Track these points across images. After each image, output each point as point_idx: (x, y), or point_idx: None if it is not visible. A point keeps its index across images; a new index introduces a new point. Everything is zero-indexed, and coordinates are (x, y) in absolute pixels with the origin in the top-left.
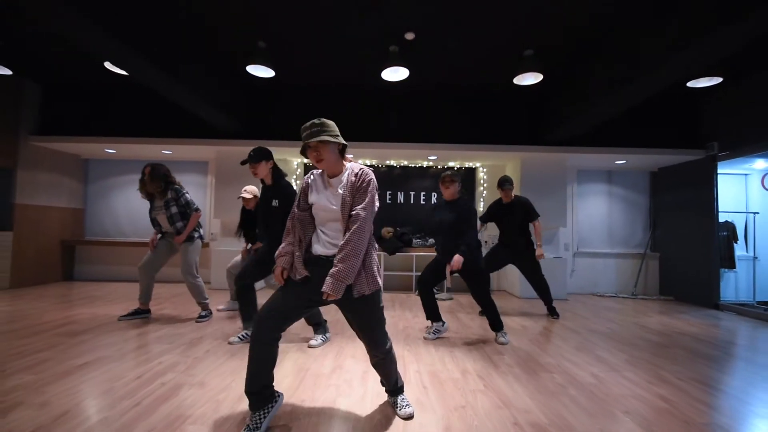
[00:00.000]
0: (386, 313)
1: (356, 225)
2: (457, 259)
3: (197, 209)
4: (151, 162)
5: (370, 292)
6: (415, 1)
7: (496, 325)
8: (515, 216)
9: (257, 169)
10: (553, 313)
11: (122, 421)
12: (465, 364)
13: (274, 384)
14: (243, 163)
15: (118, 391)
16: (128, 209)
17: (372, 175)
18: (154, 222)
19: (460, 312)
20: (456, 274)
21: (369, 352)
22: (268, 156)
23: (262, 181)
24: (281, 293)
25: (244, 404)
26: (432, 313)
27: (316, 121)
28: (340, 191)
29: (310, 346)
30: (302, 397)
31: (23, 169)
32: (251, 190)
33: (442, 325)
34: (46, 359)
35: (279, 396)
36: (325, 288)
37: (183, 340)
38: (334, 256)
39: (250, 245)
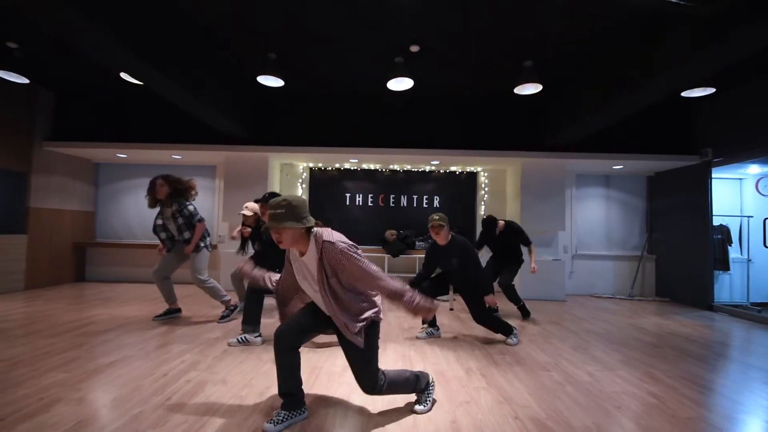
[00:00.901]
0: (390, 313)
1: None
2: (491, 300)
3: (201, 219)
4: (162, 174)
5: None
6: (419, 17)
7: (507, 331)
8: (509, 241)
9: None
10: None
11: (157, 415)
12: (468, 363)
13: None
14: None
15: (148, 387)
16: (138, 212)
17: (339, 245)
18: (158, 229)
19: (463, 313)
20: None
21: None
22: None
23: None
24: (304, 311)
25: (267, 400)
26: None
27: (282, 202)
28: (310, 266)
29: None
30: (318, 393)
31: (37, 174)
32: (252, 207)
33: (437, 330)
34: (74, 358)
35: (305, 410)
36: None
37: (200, 340)
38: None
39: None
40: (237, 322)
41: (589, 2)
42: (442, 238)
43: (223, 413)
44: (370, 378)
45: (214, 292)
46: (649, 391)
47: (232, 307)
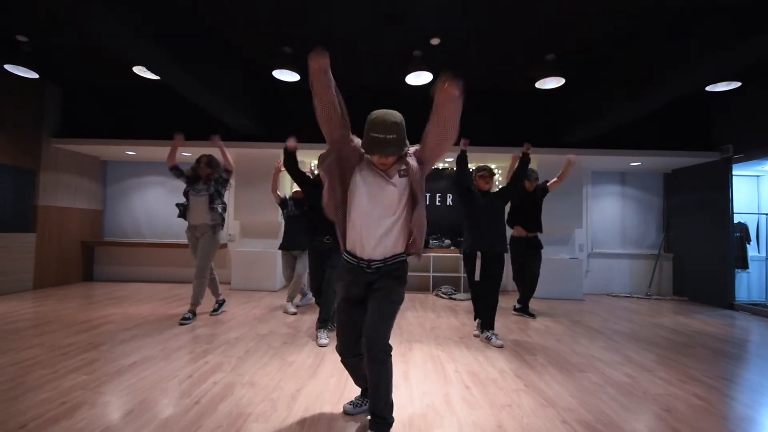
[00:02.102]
0: (409, 313)
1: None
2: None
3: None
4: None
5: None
6: (441, 9)
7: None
8: (537, 204)
9: None
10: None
11: (188, 419)
12: (500, 364)
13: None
14: None
15: (174, 390)
16: (146, 210)
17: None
18: (184, 206)
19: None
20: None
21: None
22: None
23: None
24: (342, 322)
25: (299, 402)
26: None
27: (392, 125)
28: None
29: (320, 345)
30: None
31: (45, 171)
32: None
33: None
34: (93, 359)
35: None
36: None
37: (220, 340)
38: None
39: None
40: (252, 323)
41: None
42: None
43: (257, 417)
44: (386, 333)
45: (214, 285)
46: (694, 393)
47: (223, 301)
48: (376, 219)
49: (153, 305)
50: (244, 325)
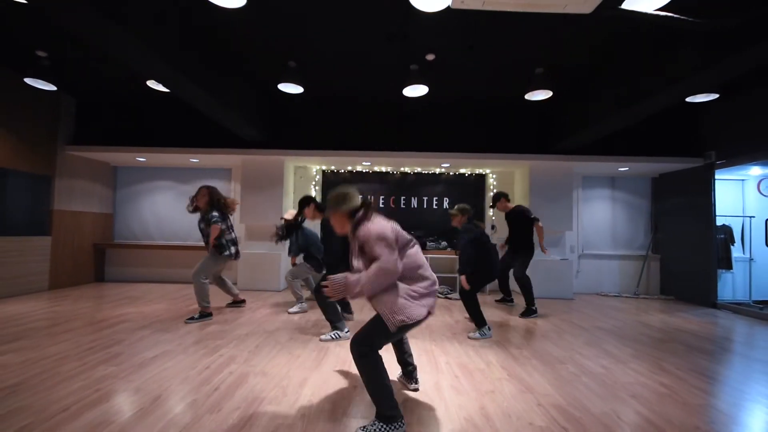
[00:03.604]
0: None
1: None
2: (463, 280)
3: (215, 221)
4: (206, 185)
5: (381, 312)
6: (434, 30)
7: (478, 323)
8: (516, 225)
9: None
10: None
11: (210, 402)
12: (488, 357)
13: None
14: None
15: (195, 378)
16: (155, 213)
17: (370, 229)
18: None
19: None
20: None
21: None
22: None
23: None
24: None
25: (306, 389)
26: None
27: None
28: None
29: (321, 340)
30: (354, 384)
31: (60, 178)
32: (291, 213)
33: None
34: (118, 353)
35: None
36: (331, 278)
37: (231, 336)
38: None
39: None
40: (260, 320)
41: (598, 16)
42: (456, 222)
43: (270, 400)
44: (360, 338)
45: (203, 292)
46: (661, 382)
47: (206, 315)
48: None
49: (165, 304)
50: (252, 322)
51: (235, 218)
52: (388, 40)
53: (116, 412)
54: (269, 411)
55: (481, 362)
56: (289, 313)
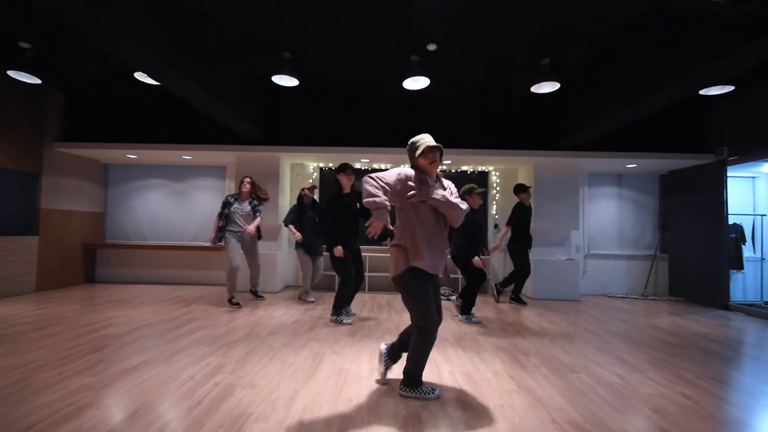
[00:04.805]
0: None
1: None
2: (477, 261)
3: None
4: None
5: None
6: (438, 17)
7: (466, 308)
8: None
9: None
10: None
11: (191, 418)
12: (494, 365)
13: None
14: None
15: (176, 391)
16: (148, 212)
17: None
18: (229, 219)
19: (485, 312)
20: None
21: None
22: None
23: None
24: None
25: (297, 402)
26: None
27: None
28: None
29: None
30: (349, 397)
31: (48, 175)
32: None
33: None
34: (98, 361)
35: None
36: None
37: (220, 342)
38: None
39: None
40: (252, 325)
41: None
42: (475, 203)
43: (257, 417)
44: (415, 316)
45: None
46: (683, 393)
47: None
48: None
49: (156, 307)
50: (245, 326)
51: None
52: (387, 30)
53: (86, 431)
54: (255, 430)
55: (488, 371)
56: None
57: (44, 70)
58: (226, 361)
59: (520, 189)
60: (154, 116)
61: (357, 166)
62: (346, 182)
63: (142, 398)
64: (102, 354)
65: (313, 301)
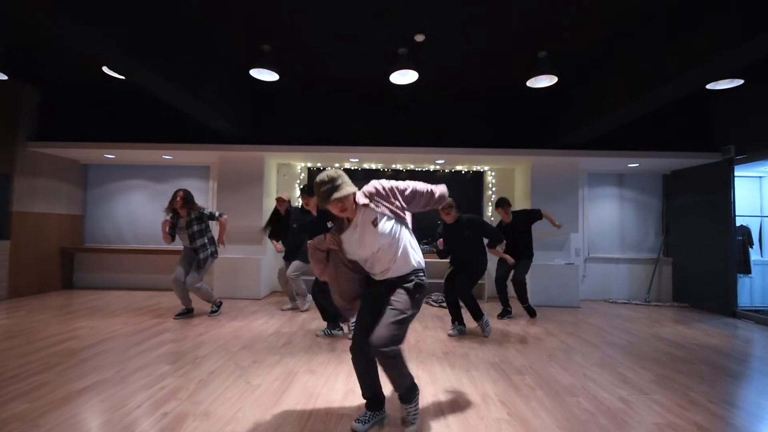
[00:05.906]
0: None
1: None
2: (498, 252)
3: (221, 214)
4: (182, 188)
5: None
6: (423, 6)
7: (477, 316)
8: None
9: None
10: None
11: None
12: (484, 387)
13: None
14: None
15: (117, 423)
16: (129, 214)
17: (374, 184)
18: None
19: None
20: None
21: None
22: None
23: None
24: (361, 315)
25: None
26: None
27: (326, 179)
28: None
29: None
30: (315, 429)
31: (21, 176)
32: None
33: (464, 327)
34: (43, 383)
35: (385, 412)
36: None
37: (185, 359)
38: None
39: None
40: (225, 337)
41: None
42: (451, 218)
43: None
44: (391, 334)
45: (208, 294)
46: (695, 422)
47: (219, 304)
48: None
49: (126, 317)
50: (216, 340)
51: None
52: (374, 18)
53: None
54: None
55: (476, 394)
56: (283, 310)
57: (16, 66)
58: (185, 384)
59: (498, 204)
60: (134, 114)
61: (347, 166)
62: (312, 205)
63: None
64: (50, 374)
65: (307, 309)
